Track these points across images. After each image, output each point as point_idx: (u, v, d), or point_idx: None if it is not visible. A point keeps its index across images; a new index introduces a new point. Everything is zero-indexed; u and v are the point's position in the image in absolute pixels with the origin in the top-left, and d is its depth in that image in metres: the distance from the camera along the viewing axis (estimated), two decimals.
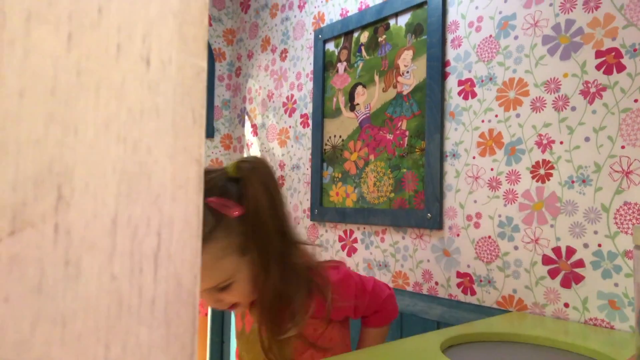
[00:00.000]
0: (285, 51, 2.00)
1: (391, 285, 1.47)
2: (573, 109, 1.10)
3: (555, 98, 1.13)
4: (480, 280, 1.25)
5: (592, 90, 1.07)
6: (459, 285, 1.30)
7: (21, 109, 0.14)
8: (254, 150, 2.16)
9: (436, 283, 1.36)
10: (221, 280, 0.82)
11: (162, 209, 0.17)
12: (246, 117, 2.24)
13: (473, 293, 1.26)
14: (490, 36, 1.27)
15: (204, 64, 0.18)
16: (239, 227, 0.82)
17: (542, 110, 1.15)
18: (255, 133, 2.16)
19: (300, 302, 0.86)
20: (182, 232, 0.17)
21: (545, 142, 1.14)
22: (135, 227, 0.16)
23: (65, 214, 0.15)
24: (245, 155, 2.22)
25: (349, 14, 1.69)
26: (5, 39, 0.14)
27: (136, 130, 0.16)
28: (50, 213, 0.15)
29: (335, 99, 1.72)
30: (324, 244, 1.72)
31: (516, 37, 1.21)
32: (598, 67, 1.06)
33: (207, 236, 0.77)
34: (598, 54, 1.06)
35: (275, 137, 2.02)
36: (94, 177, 0.15)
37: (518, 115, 1.20)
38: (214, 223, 0.79)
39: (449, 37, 1.37)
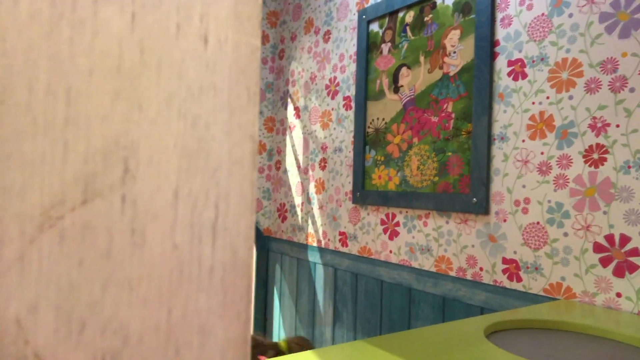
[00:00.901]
0: (328, 32, 1.99)
1: (434, 269, 1.46)
2: (632, 90, 1.04)
3: (612, 79, 1.07)
4: (527, 267, 1.22)
5: None
6: (504, 271, 1.28)
7: (90, 86, 0.15)
8: (296, 133, 2.17)
9: (481, 269, 1.34)
10: None
11: (219, 182, 0.17)
12: (289, 100, 2.25)
13: (519, 280, 1.24)
14: (543, 14, 1.21)
15: (258, 42, 0.18)
16: None
17: (597, 91, 1.10)
18: (297, 115, 2.17)
19: None
20: (238, 205, 0.18)
21: (599, 125, 1.09)
22: (195, 199, 0.17)
23: (131, 185, 0.16)
24: (288, 136, 2.24)
25: None
26: (75, 20, 0.15)
27: (195, 107, 0.17)
28: (117, 184, 0.16)
29: (378, 81, 1.71)
30: (366, 227, 1.72)
31: (570, 15, 1.16)
32: None
33: None
34: None
35: (317, 119, 2.03)
36: (157, 151, 0.16)
37: (571, 97, 1.15)
38: None
39: (499, 15, 1.32)
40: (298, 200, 2.12)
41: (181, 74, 0.17)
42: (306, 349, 1.05)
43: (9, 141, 0.14)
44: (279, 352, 1.05)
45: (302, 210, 2.09)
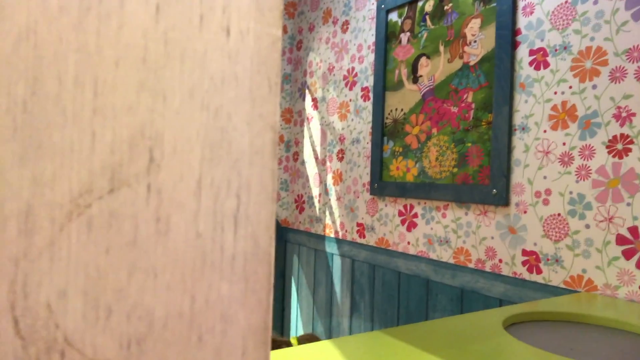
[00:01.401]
0: (346, 23, 1.98)
1: (452, 261, 1.46)
2: None
3: (639, 67, 1.05)
4: (547, 259, 1.21)
5: None
6: (524, 263, 1.26)
7: (116, 77, 0.15)
8: (314, 124, 2.17)
9: (500, 260, 1.32)
10: None
11: (240, 172, 0.17)
12: (307, 91, 2.25)
13: (539, 272, 1.22)
14: (567, 2, 1.19)
15: (279, 33, 0.18)
16: None
17: (623, 80, 1.07)
18: (315, 107, 2.17)
19: None
20: (259, 195, 0.18)
21: (624, 114, 1.07)
22: (217, 189, 0.17)
23: (156, 175, 0.16)
24: (305, 127, 2.24)
25: None
26: (102, 12, 0.15)
27: (217, 97, 0.17)
28: (143, 174, 0.16)
29: (397, 71, 1.69)
30: (384, 218, 1.72)
31: (595, 2, 1.13)
32: None
33: None
34: None
35: (335, 110, 2.02)
36: (180, 141, 0.16)
37: (595, 87, 1.12)
38: None
39: (520, 4, 1.29)
40: (316, 191, 2.13)
41: (204, 65, 0.17)
42: None
43: (40, 131, 0.14)
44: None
45: (319, 201, 2.10)
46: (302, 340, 1.09)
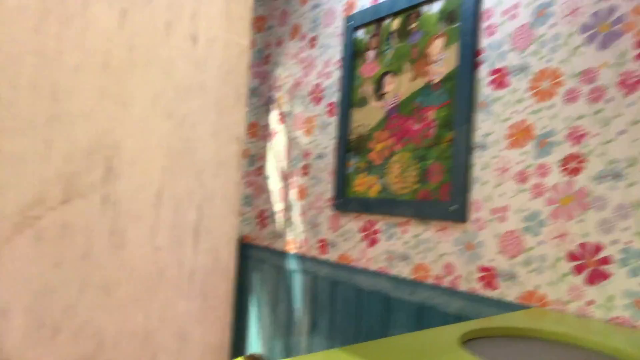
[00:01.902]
0: (314, 39, 1.99)
1: (411, 277, 1.47)
2: (609, 100, 1.07)
3: (591, 89, 1.10)
4: (503, 275, 1.24)
5: (631, 81, 1.04)
6: (480, 279, 1.29)
7: (76, 83, 0.15)
8: (279, 138, 2.17)
9: (457, 277, 1.35)
10: None
11: (204, 184, 0.17)
12: (273, 105, 2.25)
13: (495, 287, 1.25)
14: (526, 24, 1.24)
15: (247, 43, 0.18)
16: None
17: (576, 101, 1.12)
18: (281, 121, 2.17)
19: None
20: (222, 208, 0.17)
21: (577, 134, 1.12)
22: (178, 201, 0.16)
23: (113, 185, 0.15)
24: (270, 142, 2.23)
25: (380, 1, 1.67)
26: (64, 15, 0.14)
27: (183, 106, 0.16)
28: (99, 184, 0.15)
29: (363, 88, 1.71)
30: (346, 234, 1.72)
31: (553, 25, 1.18)
32: (638, 57, 1.03)
33: None
34: (639, 44, 1.03)
35: (301, 125, 2.03)
36: (141, 151, 0.16)
37: (551, 107, 1.17)
38: None
39: (483, 25, 1.34)
40: (279, 206, 2.12)
41: (169, 72, 0.16)
42: None
43: None
44: None
45: (282, 217, 2.08)
46: None
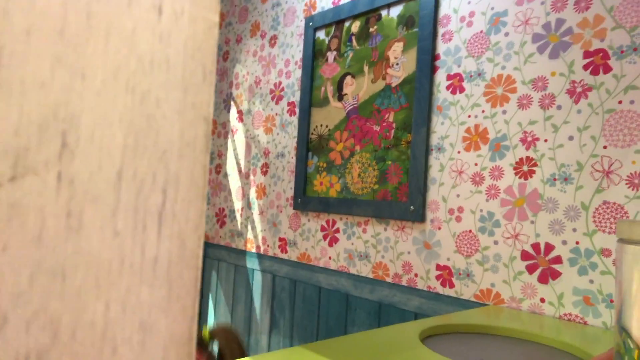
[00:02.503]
0: (274, 37, 1.98)
1: (371, 275, 1.48)
2: (559, 107, 1.11)
3: (542, 96, 1.14)
4: (460, 274, 1.26)
5: (579, 90, 1.08)
6: (438, 277, 1.31)
7: (28, 48, 0.13)
8: (238, 136, 2.14)
9: (415, 275, 1.37)
10: None
11: (168, 165, 0.16)
12: (232, 103, 2.22)
13: (452, 286, 1.28)
14: (481, 32, 1.27)
15: (216, 18, 0.17)
16: None
17: (529, 107, 1.17)
18: (240, 119, 2.14)
19: None
20: (188, 191, 0.16)
21: (530, 139, 1.16)
22: (140, 182, 0.15)
23: (69, 162, 0.14)
24: (229, 140, 2.20)
25: (341, 3, 1.68)
26: None
27: (145, 81, 0.15)
28: (53, 161, 0.14)
29: (323, 88, 1.72)
30: (306, 233, 1.72)
31: (507, 34, 1.22)
32: (585, 67, 1.08)
33: None
34: (586, 54, 1.08)
35: (261, 124, 2.01)
36: (100, 126, 0.15)
37: (504, 112, 1.21)
38: None
39: (440, 30, 1.37)
40: (238, 205, 2.09)
41: (131, 44, 0.15)
42: (232, 343, 1.01)
43: None
44: (201, 342, 1.01)
45: (241, 215, 2.06)
46: (216, 334, 1.00)
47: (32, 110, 0.14)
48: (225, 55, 2.29)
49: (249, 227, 2.00)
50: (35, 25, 0.14)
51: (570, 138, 1.09)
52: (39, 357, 0.13)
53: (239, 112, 2.15)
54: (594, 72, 1.06)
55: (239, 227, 2.05)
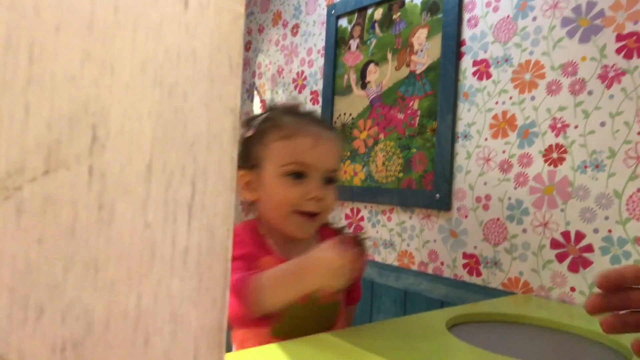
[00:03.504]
0: (296, 26, 1.97)
1: (396, 264, 1.48)
2: (590, 93, 1.08)
3: (572, 81, 1.11)
4: (487, 262, 1.25)
5: (611, 74, 1.05)
6: (464, 266, 1.30)
7: (57, 43, 0.14)
8: None
9: (442, 263, 1.36)
10: (338, 164, 0.90)
11: (196, 158, 0.16)
12: (255, 93, 2.22)
13: (479, 274, 1.27)
14: (508, 17, 1.24)
15: (241, 9, 0.17)
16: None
17: (558, 93, 1.13)
18: (264, 109, 2.15)
19: None
20: (216, 184, 0.16)
21: (559, 125, 1.13)
22: (170, 175, 0.15)
23: (100, 156, 0.14)
24: None
25: None
26: None
27: (173, 74, 0.15)
28: (85, 154, 0.14)
29: (346, 77, 1.70)
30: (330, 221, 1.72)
31: (534, 19, 1.19)
32: (618, 51, 1.04)
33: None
34: (619, 38, 1.04)
35: None
36: (129, 119, 0.15)
37: (533, 98, 1.18)
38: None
39: (466, 16, 1.34)
40: None
41: (158, 37, 0.15)
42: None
43: None
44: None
45: None
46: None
47: (63, 105, 0.14)
48: (248, 45, 2.30)
49: None
50: (64, 20, 0.14)
51: (602, 124, 1.06)
52: (75, 347, 0.14)
53: (262, 101, 2.16)
54: (627, 56, 1.02)
55: None
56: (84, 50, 0.14)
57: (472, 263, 1.28)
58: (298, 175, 0.86)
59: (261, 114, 0.95)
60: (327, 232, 0.98)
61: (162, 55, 0.15)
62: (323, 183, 0.88)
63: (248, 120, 0.96)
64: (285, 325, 0.85)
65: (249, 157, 0.91)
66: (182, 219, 0.16)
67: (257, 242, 0.89)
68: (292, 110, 0.94)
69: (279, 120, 0.90)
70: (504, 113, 1.23)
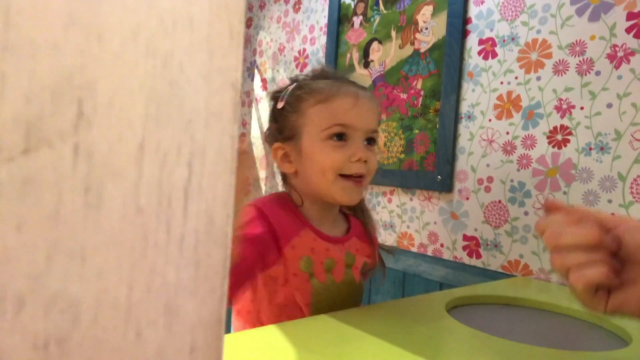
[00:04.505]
0: (298, 2, 1.93)
1: (396, 245, 1.47)
2: (597, 73, 1.06)
3: (580, 61, 1.09)
4: (487, 244, 1.24)
5: (620, 54, 1.02)
6: (464, 248, 1.30)
7: (37, 5, 0.12)
8: (263, 105, 2.12)
9: (441, 245, 1.35)
10: (377, 124, 0.90)
11: (194, 136, 0.15)
12: (256, 71, 2.19)
13: (478, 256, 1.26)
14: None
15: None
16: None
17: (565, 73, 1.11)
18: (264, 87, 2.12)
19: None
20: (215, 165, 0.15)
21: (565, 106, 1.11)
22: (164, 155, 0.14)
23: (86, 133, 0.13)
24: (253, 109, 2.18)
25: None
26: None
27: (168, 42, 0.14)
28: (69, 131, 0.13)
29: (349, 55, 1.67)
30: None
31: None
32: (628, 30, 1.01)
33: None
34: (630, 16, 1.01)
35: None
36: (119, 93, 0.13)
37: (539, 78, 1.16)
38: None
39: None
40: (262, 174, 2.09)
41: (152, 2, 0.14)
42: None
43: None
44: None
45: (266, 184, 2.06)
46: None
47: (45, 75, 0.12)
48: (249, 22, 2.25)
49: None
50: None
51: (609, 105, 1.04)
52: (59, 342, 0.12)
53: (263, 80, 2.13)
54: (638, 35, 1.00)
55: (264, 195, 2.06)
56: (68, 14, 0.12)
57: (472, 245, 1.28)
58: (340, 137, 0.84)
59: (288, 85, 0.93)
60: (353, 220, 1.00)
61: (155, 22, 0.14)
62: (365, 144, 0.87)
63: (275, 93, 0.94)
64: (318, 307, 0.85)
65: (283, 128, 0.89)
66: (177, 203, 0.15)
67: (288, 214, 0.88)
68: (322, 75, 0.92)
69: (312, 85, 0.88)
70: (509, 93, 1.21)
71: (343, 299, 0.88)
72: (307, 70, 1.85)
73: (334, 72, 0.93)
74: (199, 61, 0.15)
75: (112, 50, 0.13)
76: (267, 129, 0.95)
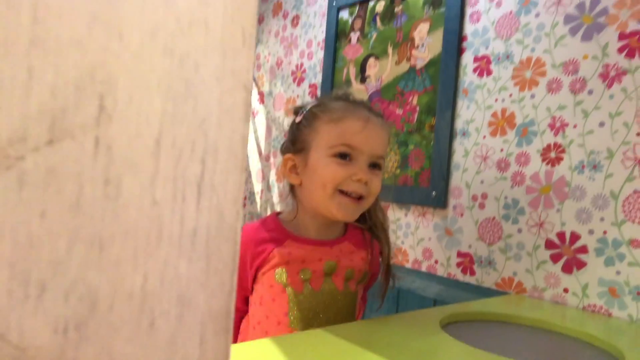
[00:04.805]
0: (297, 17, 1.96)
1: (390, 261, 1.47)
2: (590, 92, 1.08)
3: (573, 80, 1.11)
4: (481, 261, 1.25)
5: (612, 74, 1.05)
6: (458, 264, 1.30)
7: (62, 3, 0.13)
8: (259, 119, 2.13)
9: (436, 261, 1.36)
10: (384, 150, 0.91)
11: (207, 134, 0.15)
12: (253, 84, 2.21)
13: (472, 273, 1.26)
14: (511, 12, 1.23)
15: None
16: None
17: (558, 92, 1.13)
18: (261, 101, 2.13)
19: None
20: (227, 162, 0.16)
21: (558, 124, 1.12)
22: (179, 151, 0.15)
23: (106, 127, 0.13)
24: (250, 122, 2.19)
25: None
26: None
27: (184, 43, 0.15)
28: (91, 124, 0.13)
29: (345, 70, 1.69)
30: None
31: (537, 15, 1.18)
32: (620, 50, 1.04)
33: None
34: (621, 36, 1.04)
35: (282, 106, 2.00)
36: (138, 90, 0.14)
37: (533, 96, 1.18)
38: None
39: (468, 11, 1.33)
40: (258, 187, 2.09)
41: (169, 2, 0.14)
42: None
43: None
44: None
45: (261, 198, 2.06)
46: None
47: (69, 70, 0.13)
48: None
49: (269, 210, 2.00)
50: None
51: (601, 124, 1.06)
52: (77, 327, 0.13)
53: (260, 93, 2.14)
54: (629, 55, 1.02)
55: (259, 209, 2.06)
56: (91, 13, 0.13)
57: (466, 262, 1.28)
58: (344, 156, 0.87)
59: (311, 102, 0.98)
60: (352, 227, 1.01)
61: (173, 23, 0.14)
62: (369, 167, 0.89)
63: (297, 108, 0.98)
64: (299, 316, 0.87)
65: (296, 141, 0.93)
66: (191, 197, 0.15)
67: (269, 233, 0.91)
68: (342, 97, 0.96)
69: (329, 105, 0.92)
70: (503, 111, 1.23)
71: (327, 308, 0.90)
72: (304, 84, 1.87)
73: (354, 96, 0.97)
74: (213, 62, 0.15)
75: (132, 48, 0.14)
76: (284, 141, 1.00)
